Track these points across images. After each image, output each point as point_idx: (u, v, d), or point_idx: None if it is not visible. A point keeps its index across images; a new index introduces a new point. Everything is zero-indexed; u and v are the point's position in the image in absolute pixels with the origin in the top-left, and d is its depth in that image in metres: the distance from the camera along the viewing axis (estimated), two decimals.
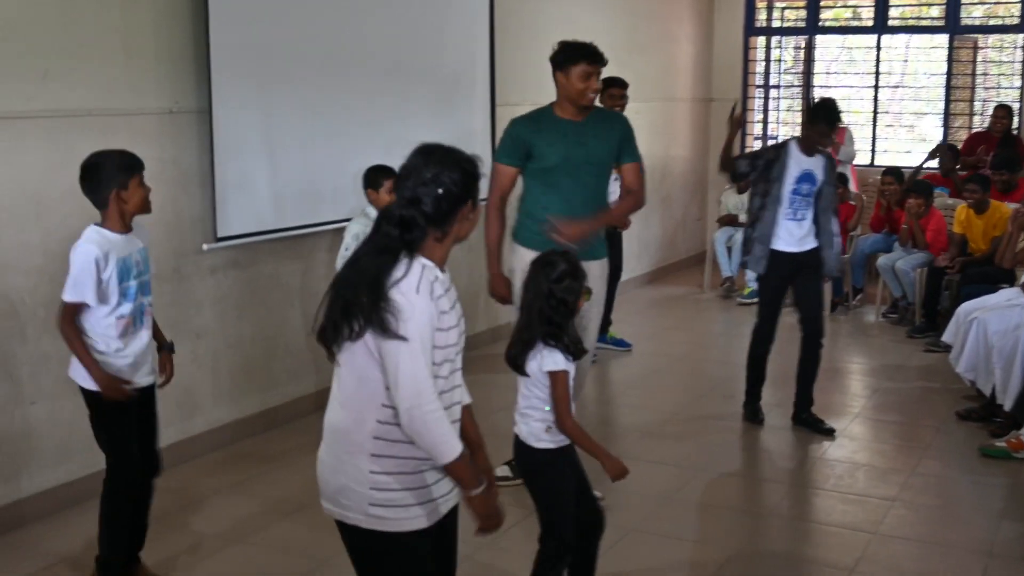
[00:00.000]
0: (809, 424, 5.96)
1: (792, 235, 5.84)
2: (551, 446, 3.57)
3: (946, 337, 6.53)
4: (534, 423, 3.57)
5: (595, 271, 4.74)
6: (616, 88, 7.42)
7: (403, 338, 2.52)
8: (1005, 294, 6.50)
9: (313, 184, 6.00)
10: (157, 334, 4.09)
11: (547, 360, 3.49)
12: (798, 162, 5.79)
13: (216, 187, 5.38)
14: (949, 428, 6.08)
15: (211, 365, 5.54)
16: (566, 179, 4.79)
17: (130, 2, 5.00)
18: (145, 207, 3.86)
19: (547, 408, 3.53)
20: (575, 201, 4.78)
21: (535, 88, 8.20)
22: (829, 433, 5.89)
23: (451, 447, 2.61)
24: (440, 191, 2.62)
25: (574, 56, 4.75)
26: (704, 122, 11.45)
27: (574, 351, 3.54)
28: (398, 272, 2.58)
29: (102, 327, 3.79)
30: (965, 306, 6.53)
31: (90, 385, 3.83)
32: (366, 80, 6.30)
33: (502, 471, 4.87)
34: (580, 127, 4.83)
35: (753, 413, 6.11)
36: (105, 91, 4.91)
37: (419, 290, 2.56)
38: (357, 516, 2.67)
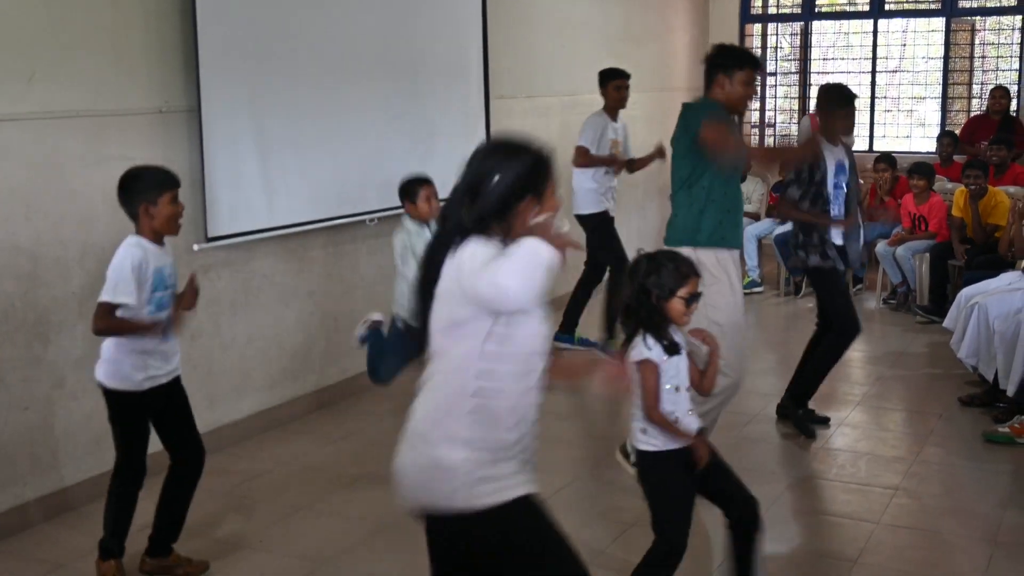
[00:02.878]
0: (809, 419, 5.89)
1: (836, 229, 5.76)
2: (651, 448, 3.48)
3: (947, 323, 6.48)
4: (634, 422, 3.51)
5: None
6: (622, 79, 7.39)
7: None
8: (1006, 278, 6.45)
9: (306, 182, 5.95)
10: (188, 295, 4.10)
11: (633, 351, 3.45)
12: (831, 155, 5.72)
13: (207, 187, 5.33)
14: (952, 414, 6.03)
15: (206, 367, 5.50)
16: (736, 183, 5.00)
17: (118, 2, 4.95)
18: (172, 226, 3.91)
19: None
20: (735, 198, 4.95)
21: (529, 80, 8.19)
22: (824, 422, 5.85)
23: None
24: (493, 182, 2.53)
25: (741, 61, 4.80)
26: None
27: (669, 345, 3.44)
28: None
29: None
30: (966, 291, 6.49)
31: (112, 384, 3.91)
32: (357, 76, 6.25)
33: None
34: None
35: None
36: (94, 92, 4.87)
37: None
38: (463, 503, 2.55)
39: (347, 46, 6.17)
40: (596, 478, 5.20)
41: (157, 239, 3.90)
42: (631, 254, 3.73)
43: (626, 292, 3.52)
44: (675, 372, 3.45)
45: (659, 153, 7.41)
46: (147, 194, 3.83)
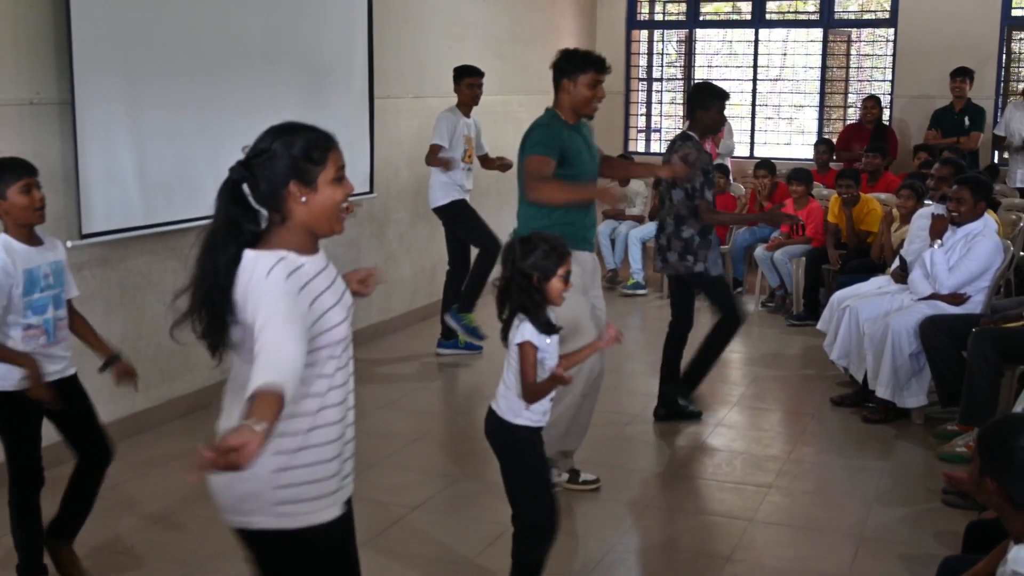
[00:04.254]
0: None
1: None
2: (530, 424, 3.59)
3: (820, 325, 6.68)
4: (515, 400, 3.57)
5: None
6: (476, 77, 7.40)
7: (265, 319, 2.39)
8: (876, 282, 6.68)
9: (185, 178, 5.82)
10: (100, 348, 4.03)
11: (516, 332, 3.52)
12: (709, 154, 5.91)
13: (80, 182, 5.18)
14: (824, 414, 6.22)
15: (78, 369, 5.33)
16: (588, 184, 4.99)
17: None
18: (32, 216, 3.76)
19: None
20: (591, 204, 5.00)
21: (416, 81, 8.17)
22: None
23: (271, 409, 2.28)
24: (263, 165, 2.50)
25: (583, 64, 4.83)
26: None
27: (547, 327, 3.54)
28: (243, 269, 2.47)
29: (9, 340, 3.73)
30: (838, 294, 6.70)
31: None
32: (239, 70, 6.15)
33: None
34: (582, 133, 4.98)
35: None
36: None
37: (270, 274, 2.44)
38: (264, 519, 2.54)
39: (229, 39, 6.07)
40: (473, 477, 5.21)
41: (25, 235, 3.76)
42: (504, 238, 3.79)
43: (503, 275, 3.58)
44: (552, 352, 3.57)
45: (502, 167, 7.53)
46: None
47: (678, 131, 5.99)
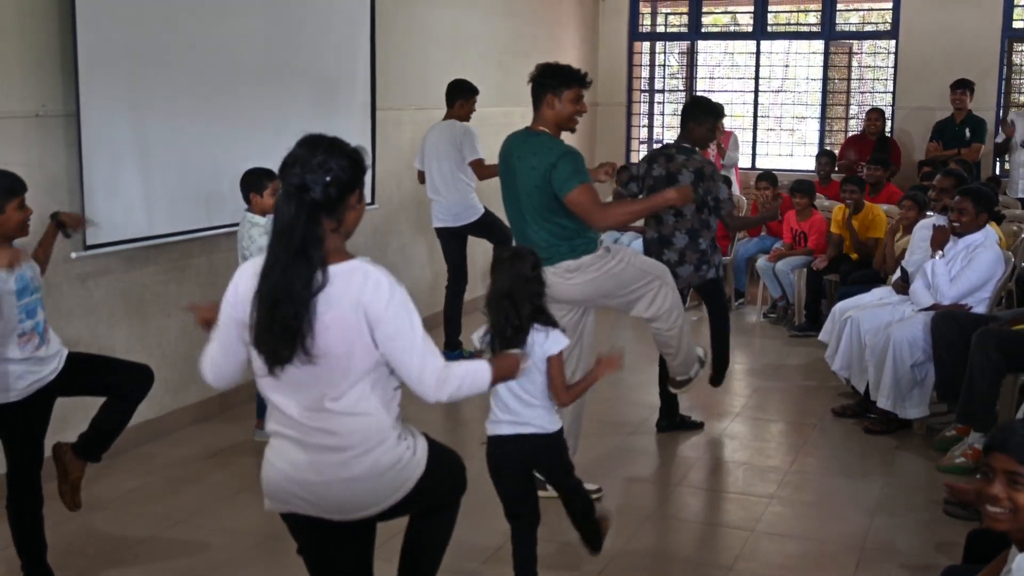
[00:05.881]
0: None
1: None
2: (557, 427, 3.78)
3: (822, 336, 6.69)
4: (544, 411, 3.71)
5: None
6: (475, 95, 7.45)
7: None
8: (877, 293, 6.69)
9: (188, 190, 5.86)
10: (46, 241, 4.23)
11: (549, 343, 3.61)
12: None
13: (85, 193, 5.21)
14: (826, 425, 6.23)
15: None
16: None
17: None
18: (22, 230, 3.84)
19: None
20: None
21: (419, 93, 8.20)
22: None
23: (483, 378, 2.90)
24: (328, 177, 2.62)
25: (568, 79, 4.75)
26: (590, 126, 11.54)
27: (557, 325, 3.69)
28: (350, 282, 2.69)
29: (3, 348, 3.76)
30: (840, 305, 6.71)
31: None
32: (243, 83, 6.18)
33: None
34: None
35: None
36: None
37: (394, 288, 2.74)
38: (412, 476, 2.88)
39: (233, 53, 6.10)
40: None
41: (8, 246, 3.81)
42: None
43: (503, 289, 3.62)
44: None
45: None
46: None
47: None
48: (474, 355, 7.31)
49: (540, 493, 4.99)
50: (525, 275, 3.60)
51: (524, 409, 3.69)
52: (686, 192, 5.03)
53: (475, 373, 2.87)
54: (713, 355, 6.10)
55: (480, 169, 7.34)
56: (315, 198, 2.61)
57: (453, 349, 7.45)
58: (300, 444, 2.78)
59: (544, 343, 3.60)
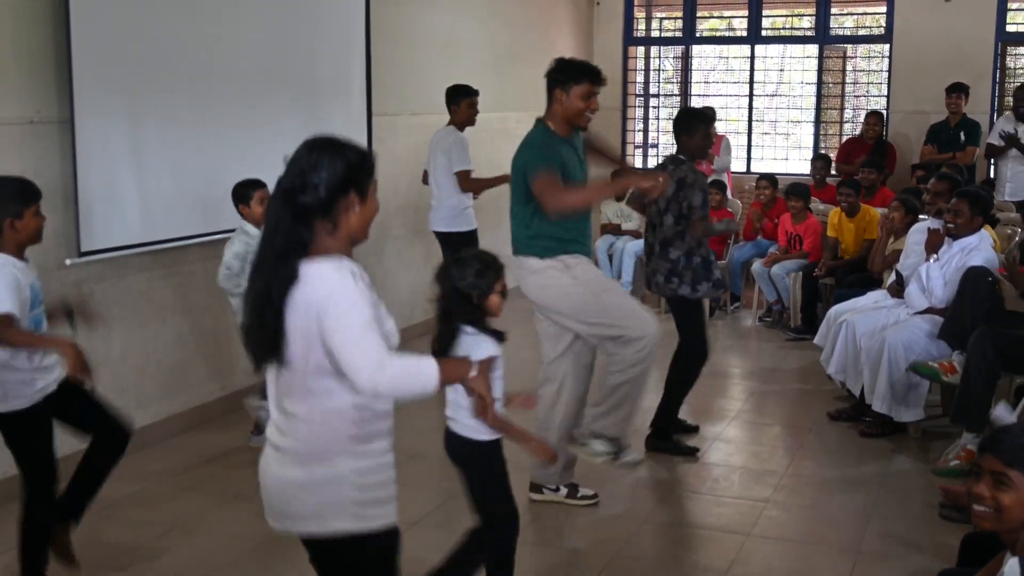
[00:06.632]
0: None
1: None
2: (486, 438, 3.63)
3: (817, 340, 6.70)
4: (459, 415, 3.63)
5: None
6: (475, 97, 7.45)
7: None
8: (872, 296, 6.70)
9: (184, 195, 5.86)
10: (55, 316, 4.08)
11: (478, 348, 3.51)
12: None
13: (80, 200, 5.21)
14: (821, 429, 6.23)
15: None
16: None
17: None
18: (37, 237, 3.85)
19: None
20: (584, 216, 4.85)
21: (414, 98, 8.21)
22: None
23: (428, 378, 2.64)
24: (317, 178, 2.57)
25: (578, 75, 4.70)
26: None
27: (498, 334, 3.60)
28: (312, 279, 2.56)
29: (9, 356, 3.74)
30: (835, 309, 6.72)
31: (4, 407, 3.79)
32: (238, 88, 6.18)
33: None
34: (574, 145, 4.85)
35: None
36: None
37: (356, 282, 2.57)
38: (345, 523, 2.65)
39: (227, 58, 6.11)
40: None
41: (19, 254, 3.80)
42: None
43: (442, 296, 3.64)
44: (501, 360, 3.59)
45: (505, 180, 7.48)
46: (12, 209, 3.73)
47: (674, 146, 5.98)
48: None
49: (534, 496, 5.03)
50: (465, 280, 3.58)
51: (456, 408, 3.66)
52: (653, 178, 4.79)
53: (419, 371, 2.63)
54: (657, 409, 5.85)
55: (464, 181, 7.31)
56: (302, 200, 2.57)
57: None
58: (270, 440, 2.76)
59: (472, 347, 3.55)
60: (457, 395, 3.60)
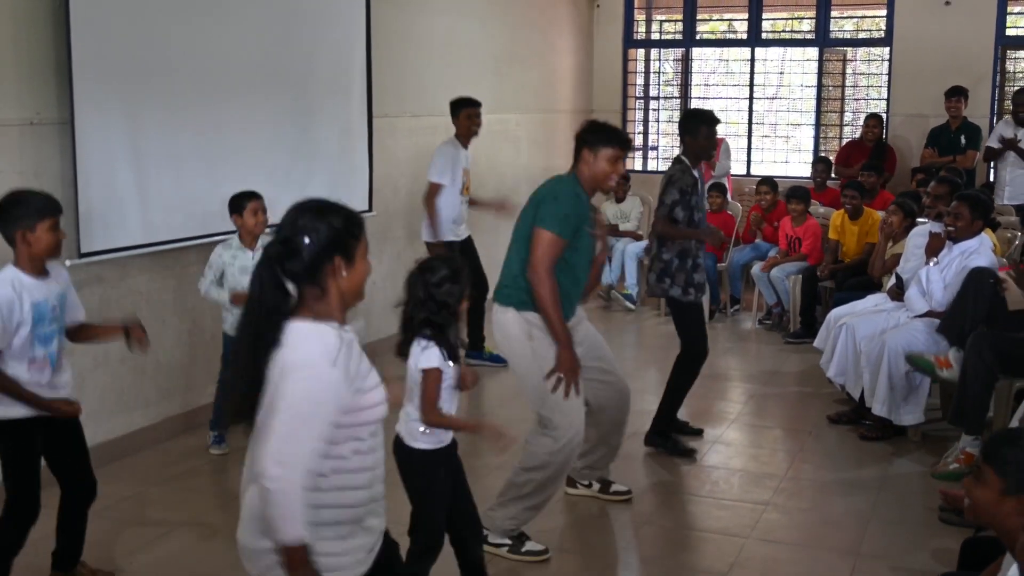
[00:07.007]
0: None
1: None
2: (427, 447, 3.63)
3: (817, 343, 6.70)
4: (412, 423, 3.63)
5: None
6: (474, 108, 7.43)
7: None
8: (872, 299, 6.70)
9: (184, 197, 5.86)
10: (111, 331, 4.12)
11: (422, 357, 3.56)
12: (700, 179, 5.87)
13: (79, 201, 5.21)
14: (821, 432, 6.23)
15: (77, 385, 5.30)
16: (585, 254, 4.68)
17: None
18: (53, 252, 3.82)
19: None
20: (582, 269, 4.70)
21: (414, 99, 8.21)
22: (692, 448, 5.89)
23: (291, 533, 2.48)
24: (301, 244, 2.55)
25: (607, 139, 4.63)
26: None
27: (453, 352, 3.61)
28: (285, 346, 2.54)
29: (12, 370, 3.75)
30: (835, 312, 6.72)
31: (2, 414, 3.78)
32: (238, 90, 6.18)
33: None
34: (589, 205, 4.75)
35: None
36: None
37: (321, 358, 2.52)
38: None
39: (228, 59, 6.11)
40: None
41: (36, 268, 3.78)
42: None
43: (411, 303, 3.61)
44: (454, 372, 3.64)
45: (500, 207, 7.39)
46: (25, 220, 3.71)
47: (676, 148, 5.99)
48: (496, 356, 7.20)
49: (569, 490, 5.05)
50: (427, 285, 3.57)
51: (405, 411, 3.66)
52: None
53: (293, 518, 2.47)
54: (657, 410, 5.89)
55: (431, 193, 7.25)
56: (288, 266, 2.56)
57: (476, 350, 7.55)
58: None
59: (419, 355, 3.57)
60: (409, 399, 3.63)
